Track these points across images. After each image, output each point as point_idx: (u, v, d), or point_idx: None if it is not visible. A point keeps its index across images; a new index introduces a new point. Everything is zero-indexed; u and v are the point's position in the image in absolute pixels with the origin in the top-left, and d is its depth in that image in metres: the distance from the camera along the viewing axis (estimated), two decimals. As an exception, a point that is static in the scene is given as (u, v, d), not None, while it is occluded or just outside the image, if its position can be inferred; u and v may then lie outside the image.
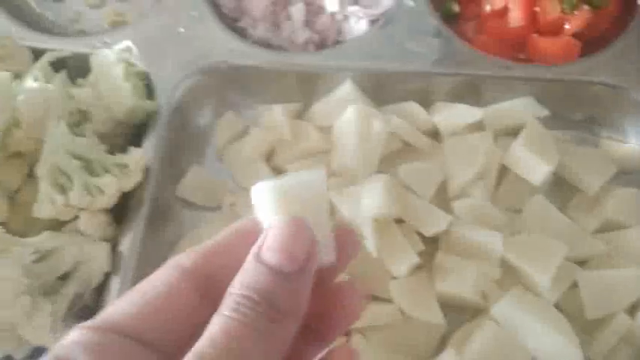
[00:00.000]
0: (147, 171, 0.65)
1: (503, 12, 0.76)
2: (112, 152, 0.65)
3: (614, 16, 0.76)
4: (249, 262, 0.28)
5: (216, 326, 0.26)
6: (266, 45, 0.79)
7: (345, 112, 0.68)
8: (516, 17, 0.75)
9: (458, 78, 0.72)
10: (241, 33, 0.79)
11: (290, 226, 0.28)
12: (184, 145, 0.72)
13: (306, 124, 0.72)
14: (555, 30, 0.75)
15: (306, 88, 0.75)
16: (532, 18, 0.75)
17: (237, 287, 0.27)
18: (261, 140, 0.70)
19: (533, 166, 0.63)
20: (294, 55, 0.76)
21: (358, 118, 0.66)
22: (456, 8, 0.79)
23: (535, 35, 0.75)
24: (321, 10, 0.80)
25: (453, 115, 0.69)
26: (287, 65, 0.74)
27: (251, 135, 0.70)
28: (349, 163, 0.64)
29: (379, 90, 0.73)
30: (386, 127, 0.65)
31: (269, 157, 0.71)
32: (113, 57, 0.67)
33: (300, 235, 0.28)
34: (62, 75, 0.68)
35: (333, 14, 0.79)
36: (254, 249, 0.28)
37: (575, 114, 0.73)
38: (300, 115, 0.75)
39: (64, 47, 0.74)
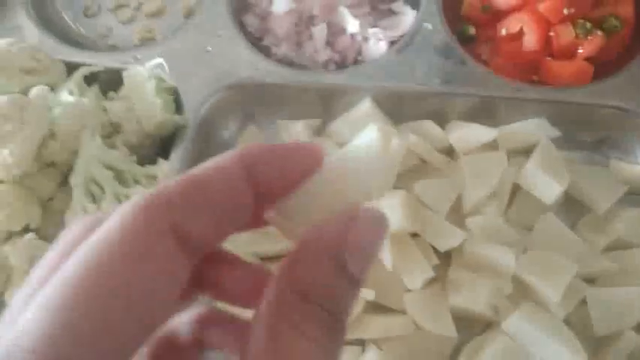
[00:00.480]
0: (174, 181, 0.68)
1: (518, 36, 0.78)
2: (140, 163, 0.69)
3: (627, 42, 0.79)
4: (329, 268, 0.23)
5: (291, 343, 0.22)
6: (289, 63, 0.82)
7: (364, 130, 0.70)
8: (531, 41, 0.78)
9: (473, 98, 0.75)
10: (265, 51, 0.82)
11: (380, 226, 0.24)
12: (209, 157, 0.74)
13: (326, 140, 0.74)
14: (569, 54, 0.77)
15: (326, 106, 0.78)
16: (546, 42, 0.78)
17: (315, 295, 0.23)
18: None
19: (546, 185, 0.65)
20: (316, 74, 0.79)
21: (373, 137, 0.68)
22: (472, 31, 0.82)
23: (549, 59, 0.78)
24: (342, 30, 0.83)
25: (468, 134, 0.71)
26: (309, 83, 0.77)
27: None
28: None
29: (397, 108, 0.76)
30: (404, 145, 0.67)
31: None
32: (145, 73, 0.70)
33: (382, 236, 0.24)
34: (95, 89, 0.72)
35: (353, 35, 0.82)
36: (333, 248, 0.23)
37: (586, 135, 0.75)
38: (320, 131, 0.77)
39: (97, 61, 0.77)
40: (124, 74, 0.72)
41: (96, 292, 0.21)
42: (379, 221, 0.24)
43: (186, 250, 0.23)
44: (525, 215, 0.67)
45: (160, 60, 0.75)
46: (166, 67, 0.76)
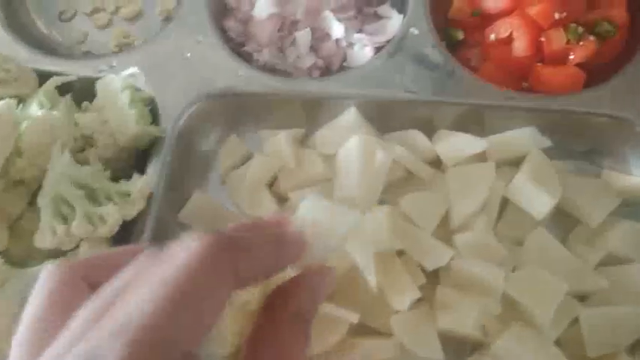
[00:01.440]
0: (150, 195, 0.65)
1: (508, 41, 0.76)
2: (116, 177, 0.66)
3: (620, 47, 0.76)
4: (311, 297, 0.36)
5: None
6: (271, 70, 0.79)
7: (349, 142, 0.68)
8: (521, 47, 0.75)
9: (461, 107, 0.72)
10: (247, 57, 0.79)
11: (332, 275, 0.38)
12: (188, 170, 0.72)
13: (310, 151, 0.72)
14: (560, 60, 0.75)
15: (310, 114, 0.75)
16: (537, 48, 0.75)
17: (304, 311, 0.35)
18: (264, 167, 0.70)
19: (536, 200, 0.63)
20: (299, 82, 0.76)
21: (361, 147, 0.66)
22: (460, 35, 0.79)
23: (539, 65, 0.75)
24: (326, 36, 0.80)
25: (456, 146, 0.68)
26: (291, 92, 0.74)
27: (254, 161, 0.70)
28: (351, 193, 0.64)
29: (383, 117, 0.73)
30: (389, 158, 0.65)
31: (272, 183, 0.72)
32: (119, 83, 0.67)
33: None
34: (67, 99, 0.69)
35: (338, 40, 0.80)
36: (314, 286, 0.37)
37: (578, 144, 0.72)
38: (303, 141, 0.75)
39: (71, 69, 0.74)
40: (97, 85, 0.68)
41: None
42: (332, 272, 0.38)
43: None
44: (515, 229, 0.65)
45: (134, 69, 0.71)
46: (143, 76, 0.72)
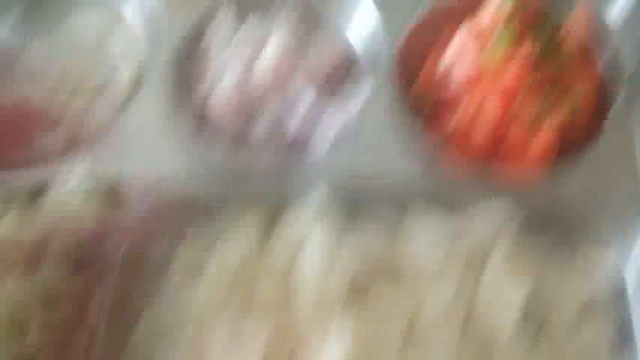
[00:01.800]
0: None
1: (476, 115, 0.73)
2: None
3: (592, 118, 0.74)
4: None
5: None
6: (236, 147, 0.77)
7: (309, 240, 0.66)
8: (490, 117, 0.73)
9: (431, 183, 0.71)
10: (210, 135, 0.77)
11: None
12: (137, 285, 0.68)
13: (273, 241, 0.69)
14: (533, 128, 0.72)
15: (276, 195, 0.72)
16: (506, 122, 0.73)
17: None
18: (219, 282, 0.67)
19: (503, 306, 0.61)
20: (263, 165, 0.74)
21: (322, 253, 0.65)
22: (427, 109, 0.77)
23: (510, 138, 0.73)
24: (294, 110, 0.78)
25: (418, 250, 0.67)
26: (251, 193, 0.72)
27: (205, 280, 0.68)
28: (309, 307, 0.62)
29: (352, 196, 0.71)
30: (351, 264, 0.64)
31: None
32: (68, 197, 0.66)
33: None
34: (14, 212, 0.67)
35: (306, 114, 0.77)
36: None
37: (551, 220, 0.69)
38: (270, 222, 0.72)
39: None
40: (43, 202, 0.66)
41: None
42: None
43: None
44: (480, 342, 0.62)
45: (84, 171, 0.69)
46: (93, 178, 0.70)
